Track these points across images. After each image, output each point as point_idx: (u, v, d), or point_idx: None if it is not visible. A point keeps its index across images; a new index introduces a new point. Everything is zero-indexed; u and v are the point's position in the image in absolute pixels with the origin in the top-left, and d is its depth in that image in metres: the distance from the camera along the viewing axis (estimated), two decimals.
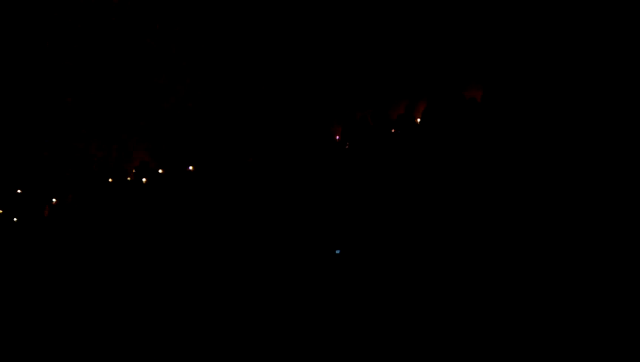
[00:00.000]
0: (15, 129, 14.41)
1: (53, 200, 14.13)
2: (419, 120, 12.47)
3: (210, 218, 13.02)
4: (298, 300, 11.00)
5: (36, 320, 12.15)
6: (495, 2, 11.65)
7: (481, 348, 8.63)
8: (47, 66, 14.27)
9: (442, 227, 10.54)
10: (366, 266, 10.94)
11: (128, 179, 14.26)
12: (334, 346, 9.96)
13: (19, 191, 14.06)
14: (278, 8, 13.85)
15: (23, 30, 14.04)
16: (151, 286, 12.15)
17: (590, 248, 8.52)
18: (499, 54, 11.45)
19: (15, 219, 13.95)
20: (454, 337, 9.05)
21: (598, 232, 8.60)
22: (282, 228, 12.26)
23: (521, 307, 8.69)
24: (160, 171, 14.23)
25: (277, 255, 11.84)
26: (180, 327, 11.22)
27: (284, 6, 13.81)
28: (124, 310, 11.91)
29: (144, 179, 14.18)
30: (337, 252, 11.10)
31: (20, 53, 14.09)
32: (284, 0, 13.75)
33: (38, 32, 14.08)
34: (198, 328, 11.17)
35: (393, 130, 12.51)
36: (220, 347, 10.80)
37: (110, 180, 14.22)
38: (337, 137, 13.44)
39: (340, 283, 11.01)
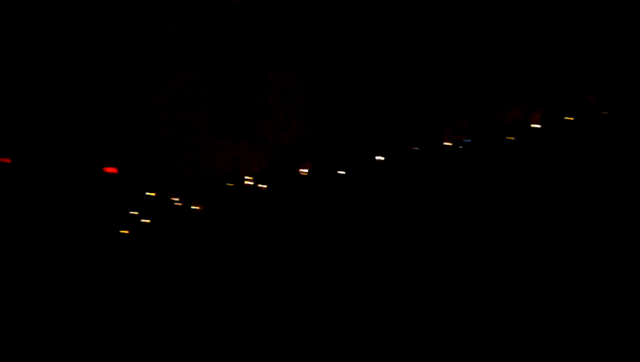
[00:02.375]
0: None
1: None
2: (533, 125, 12.22)
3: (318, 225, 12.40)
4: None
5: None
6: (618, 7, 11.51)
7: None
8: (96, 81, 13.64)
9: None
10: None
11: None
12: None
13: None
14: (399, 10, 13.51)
15: (77, 44, 13.42)
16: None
17: None
18: (623, 57, 11.25)
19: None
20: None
21: None
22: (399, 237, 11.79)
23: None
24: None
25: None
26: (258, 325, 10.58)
27: (402, 8, 13.50)
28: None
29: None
30: None
31: (71, 65, 13.42)
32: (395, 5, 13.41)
33: (99, 50, 13.46)
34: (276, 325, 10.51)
35: (510, 138, 12.33)
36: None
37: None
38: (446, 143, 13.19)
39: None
